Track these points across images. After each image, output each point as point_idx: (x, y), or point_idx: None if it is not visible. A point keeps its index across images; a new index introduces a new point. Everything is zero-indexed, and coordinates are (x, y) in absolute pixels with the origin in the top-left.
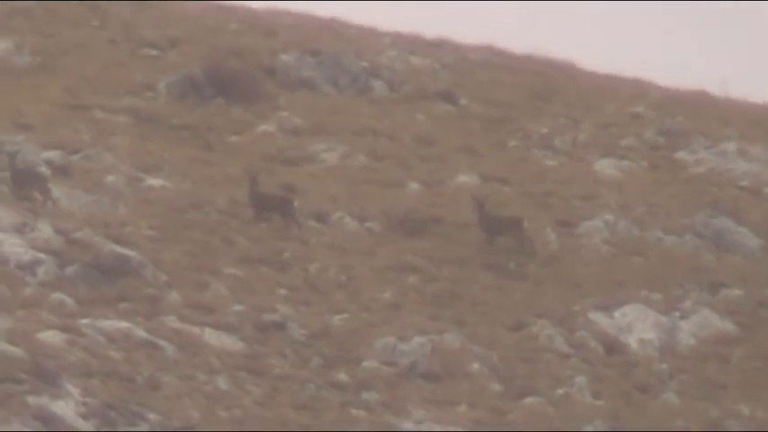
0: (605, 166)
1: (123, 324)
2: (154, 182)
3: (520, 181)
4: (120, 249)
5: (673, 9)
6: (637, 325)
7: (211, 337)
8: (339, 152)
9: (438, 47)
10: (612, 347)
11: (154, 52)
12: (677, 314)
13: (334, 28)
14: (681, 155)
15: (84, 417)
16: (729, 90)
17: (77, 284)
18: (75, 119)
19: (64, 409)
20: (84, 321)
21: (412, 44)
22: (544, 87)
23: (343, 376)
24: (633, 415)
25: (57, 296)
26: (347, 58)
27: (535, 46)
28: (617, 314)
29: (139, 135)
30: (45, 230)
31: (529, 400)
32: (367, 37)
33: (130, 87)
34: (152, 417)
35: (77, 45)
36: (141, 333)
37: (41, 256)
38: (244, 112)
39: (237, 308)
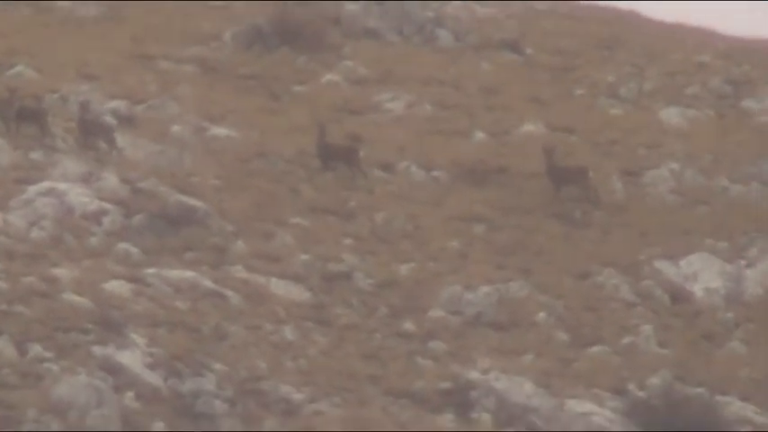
0: (671, 115)
1: (189, 274)
2: (219, 131)
3: (586, 130)
4: (185, 199)
5: None
6: (702, 274)
7: (277, 286)
8: (405, 101)
9: None
10: (678, 296)
11: (220, 2)
12: (743, 263)
13: None
14: (747, 103)
15: (150, 367)
16: None
17: (143, 234)
18: (141, 69)
19: (130, 359)
20: (150, 271)
21: None
22: (609, 36)
23: (409, 326)
24: (699, 364)
25: (122, 246)
26: (412, 8)
27: None
28: (683, 263)
29: (205, 85)
30: (111, 180)
31: (595, 349)
32: None
33: (196, 37)
34: (218, 367)
35: None
36: (207, 283)
37: (107, 205)
38: (309, 61)
39: (304, 257)
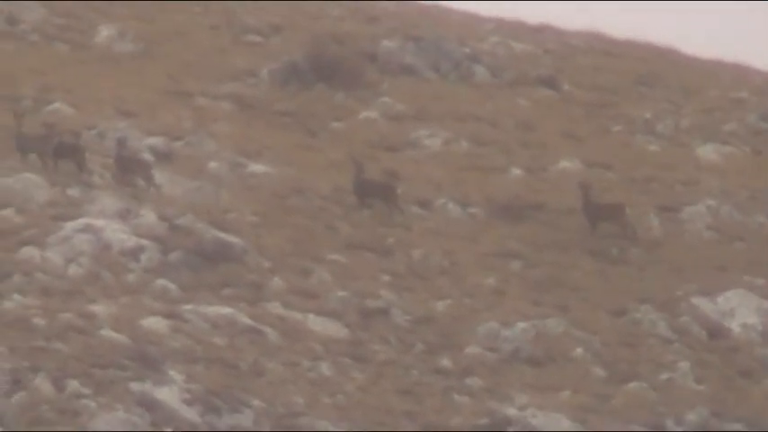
0: (707, 152)
1: (226, 310)
2: (256, 168)
3: (622, 166)
4: (222, 235)
5: None
6: (739, 310)
7: (315, 323)
8: (441, 138)
9: (540, 32)
10: (715, 332)
11: (256, 38)
12: None
13: (435, 14)
14: None
15: (188, 403)
16: None
17: (180, 270)
18: (178, 105)
19: (167, 395)
20: (188, 307)
21: (514, 30)
22: (646, 72)
23: (446, 362)
24: (736, 400)
25: (160, 282)
26: (449, 44)
27: (637, 31)
28: (720, 299)
29: (242, 121)
30: (148, 216)
31: (632, 385)
32: (469, 23)
33: (233, 74)
34: (255, 403)
35: (180, 31)
36: (244, 319)
37: (145, 242)
38: (346, 98)
39: (341, 294)
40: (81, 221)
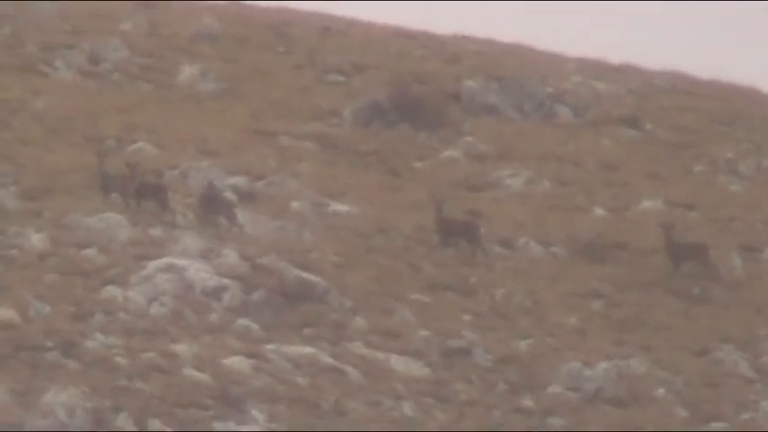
0: None
1: (308, 350)
2: (339, 207)
3: (705, 206)
4: (305, 275)
5: None
6: None
7: (397, 362)
8: (524, 178)
9: (622, 72)
10: None
11: (339, 78)
12: None
13: (518, 53)
14: None
15: None
16: None
17: (263, 310)
18: (261, 145)
19: None
20: (270, 347)
21: (596, 69)
22: (728, 112)
23: (528, 402)
24: None
25: (242, 322)
26: (532, 84)
27: (719, 71)
28: None
29: (325, 161)
30: (231, 256)
31: (714, 425)
32: (551, 62)
33: (315, 113)
34: None
35: (262, 71)
36: (326, 359)
37: (227, 281)
38: (429, 137)
39: (423, 333)
40: (163, 261)
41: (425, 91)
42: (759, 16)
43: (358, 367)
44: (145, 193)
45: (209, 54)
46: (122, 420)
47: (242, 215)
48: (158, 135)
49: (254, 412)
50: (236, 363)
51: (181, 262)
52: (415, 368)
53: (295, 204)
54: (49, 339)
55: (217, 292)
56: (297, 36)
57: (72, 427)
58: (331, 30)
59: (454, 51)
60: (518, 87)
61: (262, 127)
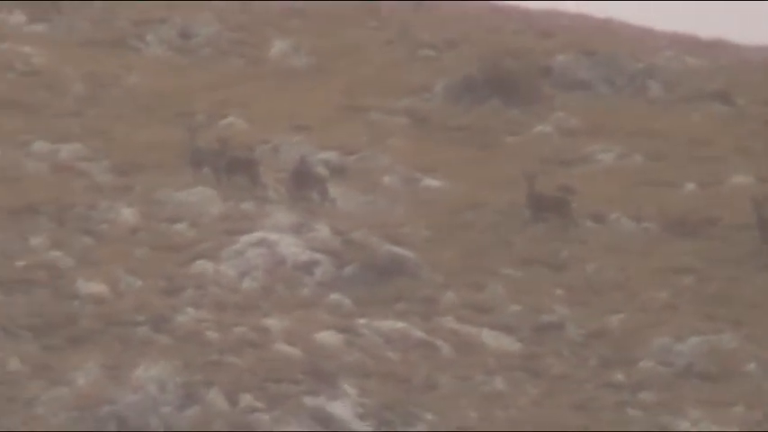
0: None
1: (400, 324)
2: (430, 182)
3: None
4: (396, 250)
5: None
6: None
7: (488, 337)
8: (615, 153)
9: (714, 47)
10: None
11: (431, 53)
12: None
13: (609, 29)
14: None
15: (361, 417)
16: None
17: (354, 285)
18: (352, 120)
19: (341, 409)
20: (361, 321)
21: (688, 45)
22: None
23: (619, 376)
24: None
25: (334, 296)
26: (623, 59)
27: None
28: None
29: (416, 136)
30: (322, 231)
31: None
32: (643, 38)
33: (407, 88)
34: (428, 417)
35: (354, 46)
36: (418, 333)
37: (319, 256)
38: (520, 112)
39: (514, 308)
40: (255, 235)
41: (517, 66)
42: None
43: (449, 342)
44: (236, 168)
45: (301, 29)
46: (214, 394)
47: (333, 190)
48: (249, 110)
49: (346, 387)
50: (328, 337)
51: (272, 236)
52: (507, 342)
53: (386, 179)
54: (140, 314)
55: (308, 267)
56: (388, 11)
57: (163, 402)
58: (423, 5)
59: (546, 27)
60: (609, 62)
61: (353, 102)
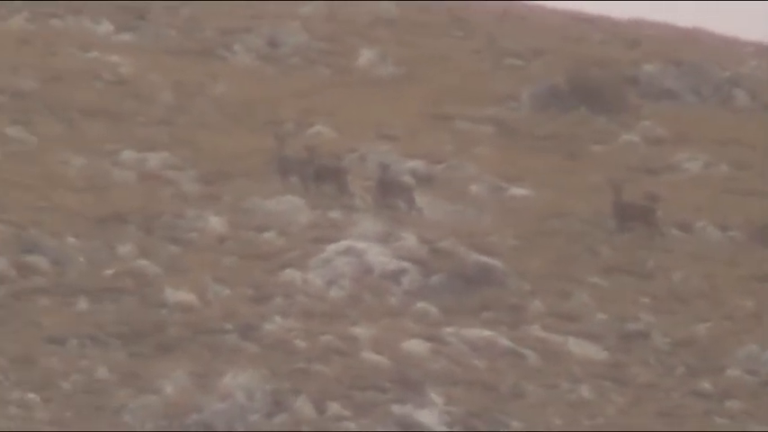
0: None
1: (487, 333)
2: (517, 191)
3: None
4: (484, 259)
5: None
6: None
7: (575, 345)
8: (701, 161)
9: None
10: None
11: (517, 62)
12: None
13: (696, 38)
14: None
15: (448, 425)
16: None
17: (442, 293)
18: (439, 129)
19: (428, 417)
20: (449, 330)
21: None
22: None
23: (706, 385)
24: None
25: (421, 305)
26: (710, 68)
27: None
28: None
29: (502, 145)
30: (409, 240)
31: None
32: (728, 47)
33: (493, 97)
34: (515, 425)
35: (440, 55)
36: (505, 342)
37: (406, 265)
38: (607, 121)
39: (601, 316)
40: (342, 244)
41: (604, 75)
42: None
43: (536, 350)
44: (324, 177)
45: (388, 38)
46: (301, 402)
47: (420, 199)
48: (337, 119)
49: (433, 395)
50: (415, 346)
51: (360, 245)
52: (593, 351)
53: (473, 188)
54: (228, 322)
55: (396, 276)
56: (475, 21)
57: (251, 410)
58: (509, 14)
59: (632, 36)
60: (696, 71)
61: (439, 111)
